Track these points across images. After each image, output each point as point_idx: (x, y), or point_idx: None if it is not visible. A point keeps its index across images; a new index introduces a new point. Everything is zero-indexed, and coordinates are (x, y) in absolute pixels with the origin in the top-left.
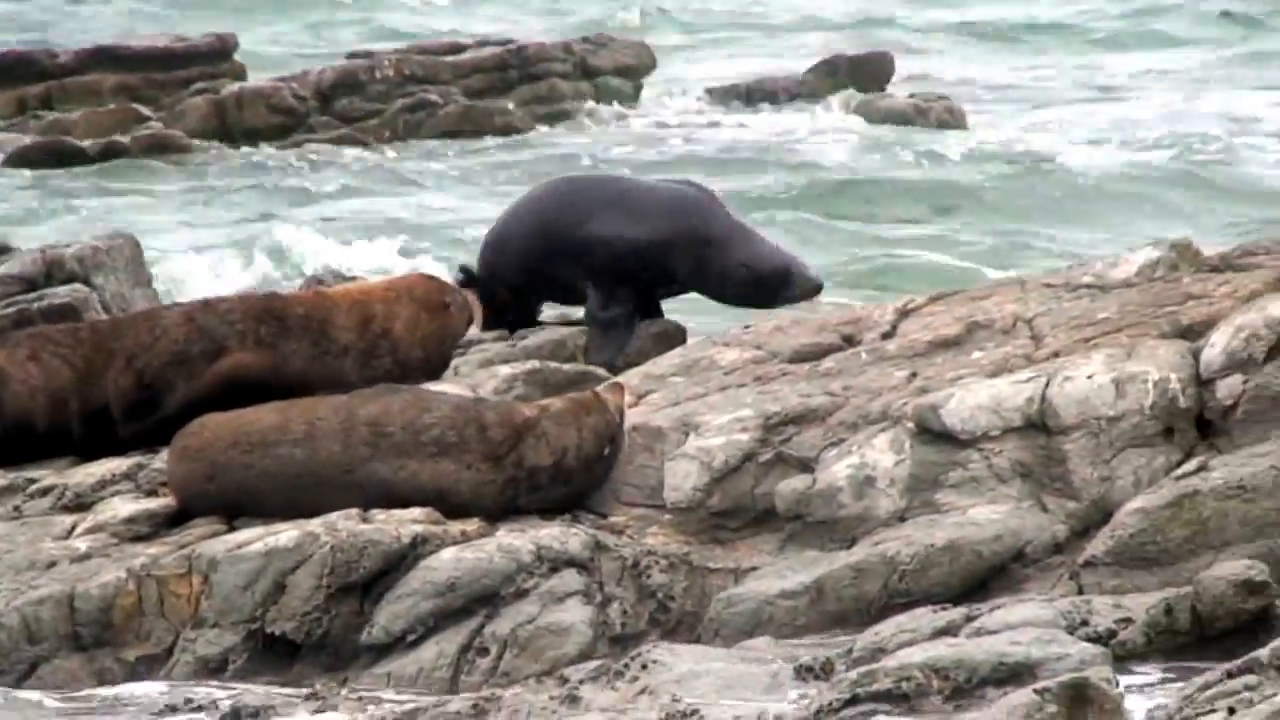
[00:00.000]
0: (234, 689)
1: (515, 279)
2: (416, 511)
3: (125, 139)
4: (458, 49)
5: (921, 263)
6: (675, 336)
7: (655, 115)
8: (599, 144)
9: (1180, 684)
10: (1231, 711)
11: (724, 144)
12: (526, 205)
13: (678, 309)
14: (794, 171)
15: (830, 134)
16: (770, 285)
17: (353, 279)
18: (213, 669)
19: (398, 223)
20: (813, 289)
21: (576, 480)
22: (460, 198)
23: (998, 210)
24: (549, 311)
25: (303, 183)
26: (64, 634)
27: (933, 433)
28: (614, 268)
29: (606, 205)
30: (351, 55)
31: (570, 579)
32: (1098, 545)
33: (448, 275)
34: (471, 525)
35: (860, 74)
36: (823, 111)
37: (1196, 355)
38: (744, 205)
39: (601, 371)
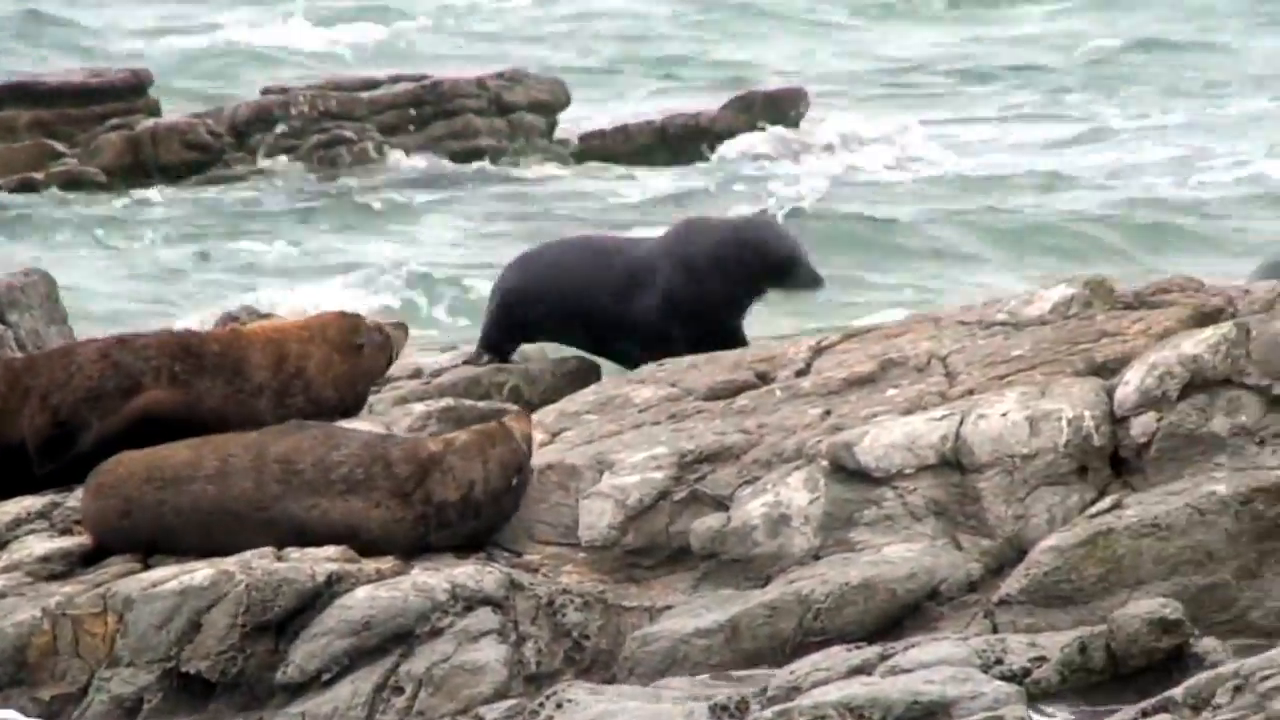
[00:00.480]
0: None
1: (534, 337)
2: (331, 550)
3: (40, 175)
4: (372, 85)
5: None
6: (589, 374)
7: (569, 154)
8: (517, 184)
9: None
10: None
11: (635, 188)
12: (548, 271)
13: None
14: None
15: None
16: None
17: (267, 316)
18: (128, 708)
19: (318, 261)
20: (813, 282)
21: (486, 514)
22: (381, 235)
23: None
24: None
25: (222, 218)
26: None
27: (847, 471)
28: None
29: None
30: (266, 91)
31: (485, 617)
32: (1012, 583)
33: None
34: (386, 564)
35: (775, 110)
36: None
37: (1110, 393)
38: None
39: (516, 409)
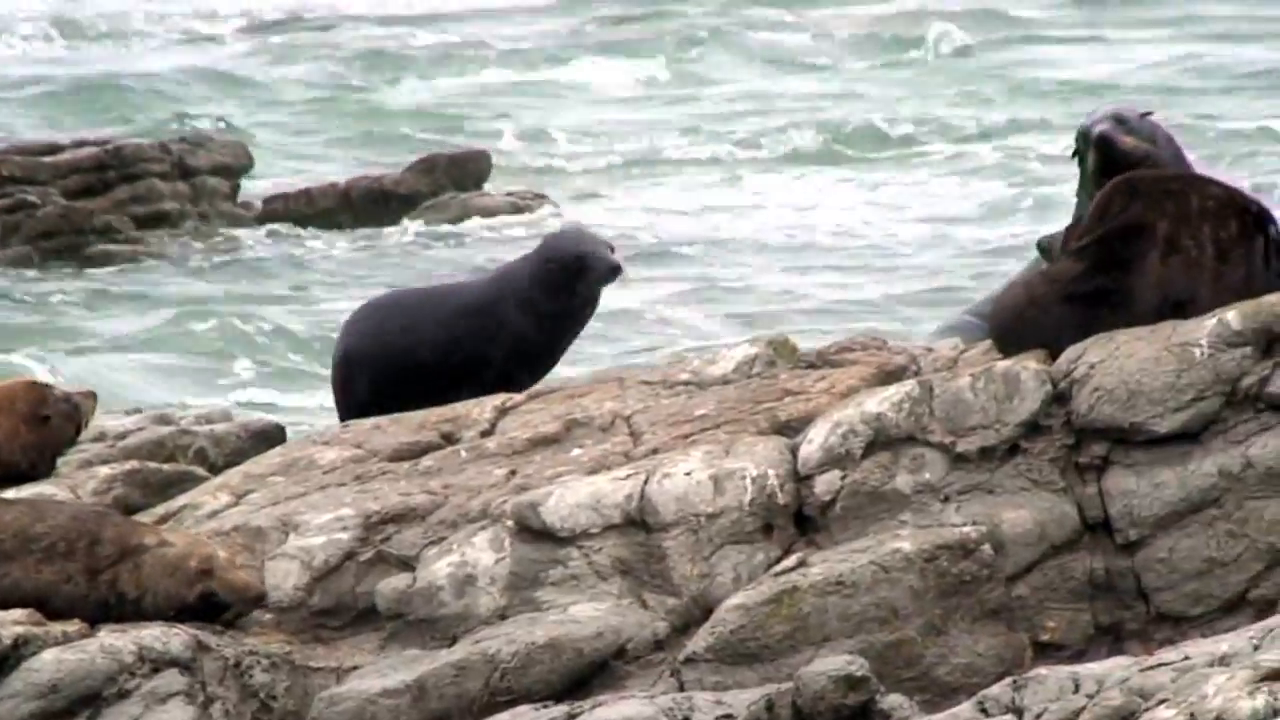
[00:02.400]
0: None
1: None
2: (18, 612)
3: None
4: (55, 149)
5: None
6: (275, 436)
7: (252, 217)
8: (200, 252)
9: None
10: None
11: (322, 253)
12: (359, 337)
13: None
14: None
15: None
16: (570, 274)
17: None
18: None
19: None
20: (609, 271)
21: (159, 617)
22: (67, 306)
23: None
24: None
25: None
26: None
27: (532, 530)
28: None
29: (437, 320)
30: None
31: (172, 679)
32: (698, 642)
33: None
34: (73, 626)
35: (458, 172)
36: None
37: (795, 451)
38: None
39: (202, 471)
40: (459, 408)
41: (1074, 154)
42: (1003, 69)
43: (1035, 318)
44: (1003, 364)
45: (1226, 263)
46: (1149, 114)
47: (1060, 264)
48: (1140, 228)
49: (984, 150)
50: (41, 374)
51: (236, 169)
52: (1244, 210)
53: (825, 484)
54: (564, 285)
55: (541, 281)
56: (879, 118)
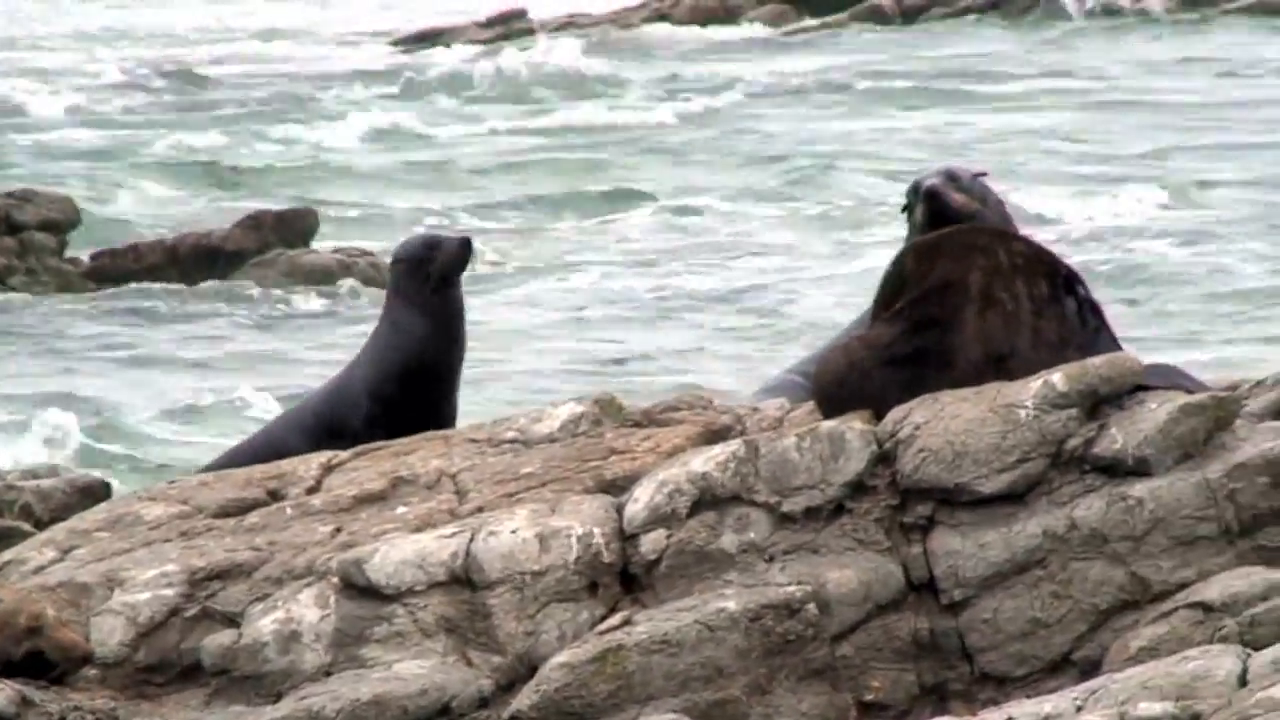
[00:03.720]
0: None
1: None
2: None
3: None
4: None
5: None
6: (100, 491)
7: (79, 273)
8: (25, 308)
9: None
10: None
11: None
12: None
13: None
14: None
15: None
16: (422, 263)
17: None
18: None
19: None
20: (459, 247)
21: None
22: None
23: None
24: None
25: None
26: None
27: (358, 587)
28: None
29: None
30: None
31: None
32: (523, 700)
33: None
34: None
35: (286, 229)
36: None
37: (620, 510)
38: None
39: (28, 526)
40: (285, 465)
41: (904, 208)
42: None
43: (857, 382)
44: (828, 424)
45: (1042, 318)
46: (982, 174)
47: (876, 329)
48: (952, 284)
49: None
50: None
51: (64, 225)
52: (1053, 271)
53: (651, 543)
54: (418, 278)
55: (397, 287)
56: None
